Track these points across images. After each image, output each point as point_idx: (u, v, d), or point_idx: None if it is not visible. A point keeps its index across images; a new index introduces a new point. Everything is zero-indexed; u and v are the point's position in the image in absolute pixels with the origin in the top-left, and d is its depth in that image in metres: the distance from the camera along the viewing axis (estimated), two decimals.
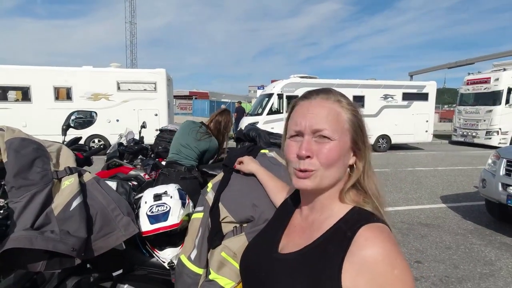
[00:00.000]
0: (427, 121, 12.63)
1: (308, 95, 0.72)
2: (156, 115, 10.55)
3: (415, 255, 3.48)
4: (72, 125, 1.83)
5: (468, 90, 14.31)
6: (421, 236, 4.03)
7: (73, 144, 1.76)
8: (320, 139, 0.66)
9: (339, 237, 0.63)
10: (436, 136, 15.92)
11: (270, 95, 11.81)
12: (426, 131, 12.70)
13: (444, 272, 3.13)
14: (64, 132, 1.71)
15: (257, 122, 10.86)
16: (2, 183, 1.19)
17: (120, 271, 1.37)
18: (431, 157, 10.78)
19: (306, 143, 0.67)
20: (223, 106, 16.01)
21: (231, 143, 2.73)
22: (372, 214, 0.66)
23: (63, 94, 10.21)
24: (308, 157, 0.66)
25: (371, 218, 0.64)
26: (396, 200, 5.58)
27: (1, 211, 1.15)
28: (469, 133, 13.85)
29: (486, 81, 13.51)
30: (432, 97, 12.68)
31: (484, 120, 13.21)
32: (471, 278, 3.03)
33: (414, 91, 12.54)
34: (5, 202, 1.16)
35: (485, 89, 13.47)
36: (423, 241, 3.86)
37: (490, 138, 12.95)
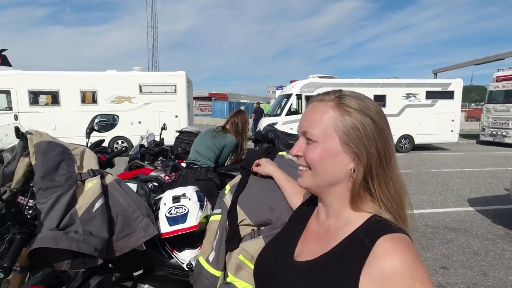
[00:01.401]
0: (452, 121, 12.10)
1: (311, 98, 0.75)
2: (176, 116, 10.77)
3: (440, 261, 3.34)
4: (95, 128, 1.89)
5: (498, 87, 13.61)
6: (447, 240, 3.87)
7: (96, 146, 1.82)
8: (307, 141, 0.69)
9: (357, 247, 0.61)
10: (463, 136, 15.26)
11: (289, 96, 11.74)
12: (452, 131, 12.17)
13: (472, 279, 2.98)
14: (88, 135, 1.78)
15: (276, 123, 10.84)
16: (31, 184, 1.25)
17: (141, 271, 1.40)
18: (458, 158, 10.34)
19: (297, 143, 0.72)
20: (242, 107, 16.11)
21: (250, 144, 2.75)
22: (391, 223, 0.62)
23: (89, 97, 10.63)
24: (300, 156, 0.71)
25: (390, 227, 0.61)
26: (419, 203, 5.39)
27: (30, 212, 1.22)
28: (499, 133, 13.17)
29: None
30: (458, 95, 12.14)
31: None
32: (501, 286, 2.87)
33: (439, 89, 12.05)
34: (34, 203, 1.22)
35: None
36: (449, 246, 3.70)
37: None
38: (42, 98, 10.82)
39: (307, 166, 0.69)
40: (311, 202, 0.84)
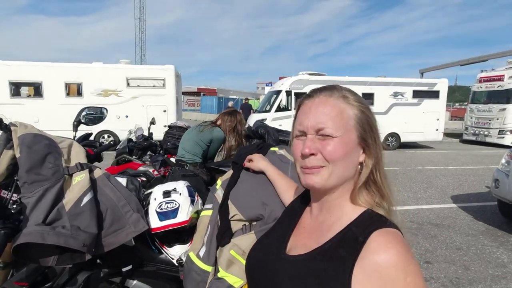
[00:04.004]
0: (437, 120, 12.40)
1: (312, 94, 0.72)
2: (164, 111, 10.62)
3: (424, 256, 3.43)
4: (83, 121, 1.84)
5: (481, 87, 14.00)
6: (431, 236, 3.97)
7: (84, 140, 1.78)
8: (323, 137, 0.66)
9: (350, 241, 0.61)
10: (447, 134, 15.65)
11: (278, 92, 11.75)
12: (437, 130, 12.47)
13: (455, 273, 3.08)
14: (75, 128, 1.73)
15: (265, 119, 10.84)
16: (15, 178, 1.20)
17: (130, 267, 1.38)
18: (442, 156, 10.61)
19: (308, 141, 0.67)
20: (230, 103, 16.01)
21: None
22: (384, 218, 0.64)
23: (74, 90, 10.35)
24: (312, 154, 0.66)
25: (383, 222, 0.62)
26: (405, 199, 5.51)
27: (14, 206, 1.17)
28: (481, 132, 13.57)
29: (500, 78, 13.19)
30: (444, 95, 12.44)
31: (497, 119, 12.92)
32: (482, 280, 2.97)
33: (425, 88, 12.31)
34: (18, 197, 1.18)
35: (498, 87, 13.15)
36: (433, 241, 3.81)
37: (503, 137, 12.66)
38: (24, 90, 10.46)
39: (324, 163, 0.66)
40: (304, 197, 0.84)
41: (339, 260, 0.60)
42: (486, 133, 13.33)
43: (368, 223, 0.62)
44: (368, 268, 0.56)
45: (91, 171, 1.23)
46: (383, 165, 0.69)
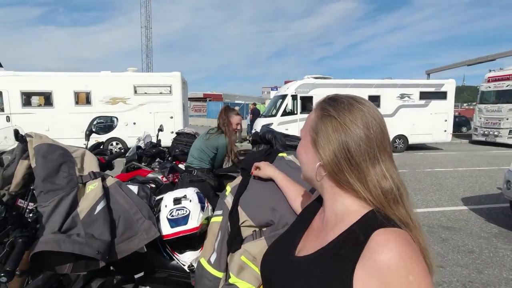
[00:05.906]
0: (445, 121, 12.25)
1: None
2: (171, 117, 10.73)
3: (436, 259, 3.38)
4: (94, 130, 1.88)
5: (489, 87, 13.81)
6: (442, 239, 3.92)
7: (96, 148, 1.81)
8: None
9: (352, 241, 0.61)
10: (456, 135, 15.44)
11: (284, 96, 11.77)
12: (445, 131, 12.32)
13: (468, 277, 3.02)
14: (87, 137, 1.77)
15: (271, 124, 10.86)
16: (31, 187, 1.24)
17: (142, 274, 1.40)
18: (451, 158, 10.46)
19: None
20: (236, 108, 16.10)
21: (247, 145, 2.74)
22: (388, 218, 0.62)
23: (83, 98, 10.54)
24: None
25: (386, 222, 0.61)
26: (414, 202, 5.44)
27: (31, 215, 1.21)
28: (490, 132, 13.36)
29: (508, 78, 13.01)
30: (451, 95, 12.30)
31: (507, 119, 12.72)
32: (496, 284, 2.91)
33: (432, 89, 12.19)
34: (34, 206, 1.22)
35: (507, 86, 12.97)
36: (444, 245, 3.75)
37: None
38: (35, 99, 10.68)
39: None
40: (318, 201, 0.85)
41: (341, 260, 0.60)
42: (496, 133, 13.12)
43: (369, 224, 0.62)
44: (370, 268, 0.56)
45: (103, 180, 1.26)
46: (368, 166, 0.64)
